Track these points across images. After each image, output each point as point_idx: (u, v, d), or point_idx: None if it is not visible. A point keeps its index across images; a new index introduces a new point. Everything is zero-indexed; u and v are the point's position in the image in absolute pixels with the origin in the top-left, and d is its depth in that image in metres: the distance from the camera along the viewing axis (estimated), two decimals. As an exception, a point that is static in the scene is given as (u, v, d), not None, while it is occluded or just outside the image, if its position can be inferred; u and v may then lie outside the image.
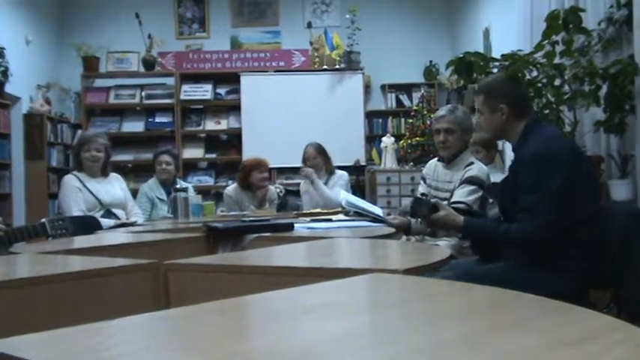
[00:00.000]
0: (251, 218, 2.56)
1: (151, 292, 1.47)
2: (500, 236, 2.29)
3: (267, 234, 2.22)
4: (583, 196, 2.28)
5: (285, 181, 6.52)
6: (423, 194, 3.28)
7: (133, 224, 3.83)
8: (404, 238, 2.92)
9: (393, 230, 2.34)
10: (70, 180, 3.98)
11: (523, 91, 2.81)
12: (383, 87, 8.05)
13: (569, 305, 0.83)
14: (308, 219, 2.98)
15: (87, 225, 3.33)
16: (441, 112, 3.34)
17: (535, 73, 4.01)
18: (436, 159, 3.45)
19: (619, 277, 2.20)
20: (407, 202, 3.36)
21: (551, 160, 2.22)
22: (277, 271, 1.31)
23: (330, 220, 2.79)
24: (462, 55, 4.13)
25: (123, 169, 6.23)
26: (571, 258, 2.22)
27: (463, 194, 3.03)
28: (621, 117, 3.83)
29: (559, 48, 3.94)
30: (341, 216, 3.14)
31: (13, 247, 1.99)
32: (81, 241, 2.29)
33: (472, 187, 3.04)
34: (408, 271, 1.15)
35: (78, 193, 3.91)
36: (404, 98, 8.08)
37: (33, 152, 7.06)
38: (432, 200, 2.44)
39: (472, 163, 3.15)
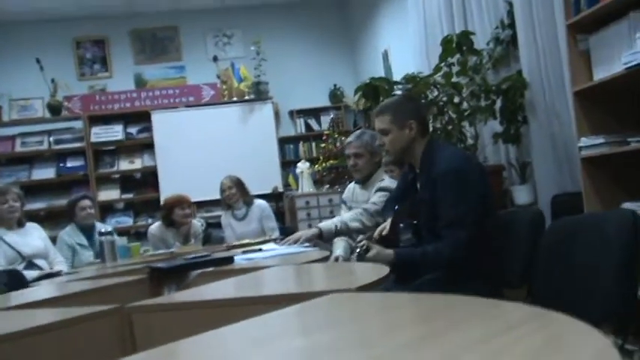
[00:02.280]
0: (192, 255, 2.64)
1: (116, 337, 1.55)
2: (430, 258, 2.36)
3: (210, 269, 2.31)
4: (491, 206, 2.53)
5: (205, 214, 6.56)
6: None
7: (58, 274, 3.80)
8: (332, 258, 3.09)
9: (325, 253, 2.48)
10: None
11: (425, 110, 3.06)
12: (291, 113, 8.25)
13: (498, 301, 1.01)
14: (239, 250, 3.09)
15: (13, 280, 3.30)
16: (350, 138, 3.56)
17: (435, 93, 4.34)
18: (353, 182, 3.67)
19: (528, 275, 2.41)
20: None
21: (465, 174, 2.37)
22: (245, 301, 1.42)
23: (261, 250, 2.91)
24: (368, 81, 4.39)
25: (36, 218, 6.05)
26: (484, 263, 2.41)
27: (374, 198, 3.30)
28: (516, 128, 4.19)
29: (455, 68, 4.29)
30: (271, 244, 3.26)
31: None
32: (19, 297, 2.29)
33: (382, 193, 3.28)
34: (360, 289, 1.30)
35: (3, 245, 3.84)
36: (312, 122, 8.31)
37: None
38: (363, 243, 2.54)
39: (383, 180, 3.40)
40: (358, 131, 3.68)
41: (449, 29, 5.01)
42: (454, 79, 4.28)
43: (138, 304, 1.58)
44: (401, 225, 2.64)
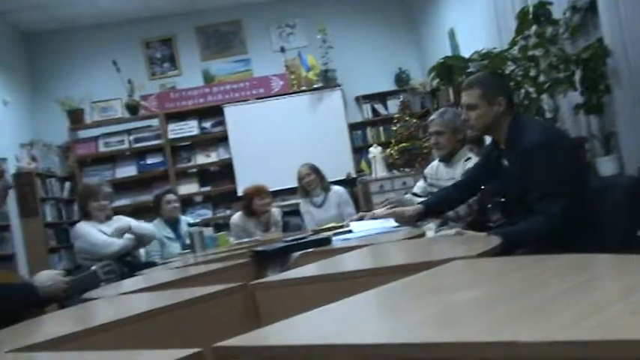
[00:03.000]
0: (291, 238, 2.73)
1: (243, 312, 1.64)
2: (525, 234, 2.32)
3: (311, 250, 2.39)
4: (584, 175, 2.50)
5: (281, 203, 6.68)
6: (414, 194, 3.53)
7: (155, 264, 4.02)
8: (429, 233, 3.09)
9: (420, 231, 2.51)
10: (85, 225, 4.14)
11: (510, 87, 3.03)
12: (357, 99, 8.27)
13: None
14: (330, 233, 3.15)
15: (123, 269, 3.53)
16: (432, 116, 3.57)
17: (511, 68, 4.28)
18: (437, 159, 3.68)
19: (629, 242, 2.37)
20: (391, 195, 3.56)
21: (555, 146, 2.36)
22: (365, 273, 1.48)
23: (351, 232, 2.97)
24: (441, 60, 4.38)
25: (122, 214, 6.32)
26: (582, 233, 2.39)
27: None
28: (598, 98, 4.09)
29: (532, 41, 4.21)
30: (361, 221, 3.29)
31: (87, 294, 2.12)
32: (139, 282, 2.43)
33: None
34: (480, 255, 1.34)
35: (97, 231, 4.07)
36: (379, 107, 8.32)
37: (27, 210, 7.10)
38: (456, 231, 2.54)
39: (470, 158, 3.38)
40: (441, 109, 3.69)
41: (522, 2, 4.91)
42: (530, 52, 4.21)
43: (260, 282, 1.66)
44: (489, 205, 2.64)
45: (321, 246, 2.40)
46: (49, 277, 2.34)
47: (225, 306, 1.65)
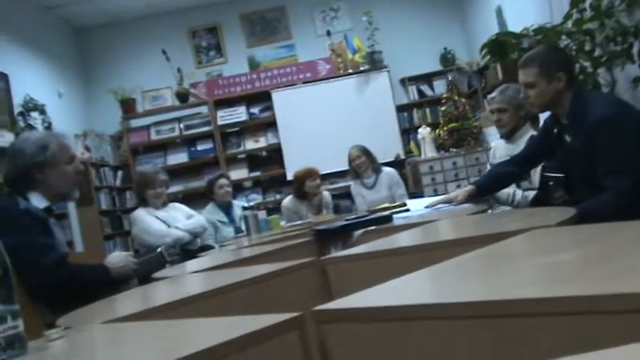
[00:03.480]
0: (352, 216, 2.76)
1: (315, 286, 1.67)
2: (593, 211, 2.24)
3: (372, 227, 2.41)
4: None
5: (330, 186, 6.72)
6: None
7: (211, 247, 4.11)
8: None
9: (482, 207, 2.50)
10: (142, 212, 4.26)
11: (571, 60, 2.96)
12: (403, 80, 8.22)
13: None
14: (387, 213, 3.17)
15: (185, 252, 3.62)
16: (493, 93, 3.52)
17: (566, 42, 4.19)
18: (498, 138, 3.63)
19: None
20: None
21: (622, 120, 2.32)
22: (436, 246, 1.49)
23: (409, 210, 2.98)
24: (493, 37, 4.32)
25: (174, 200, 6.46)
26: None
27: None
28: (658, 69, 3.98)
29: (587, 14, 4.11)
30: (416, 204, 3.31)
31: (157, 274, 2.19)
32: (204, 263, 2.49)
33: None
34: (559, 224, 1.34)
35: (155, 219, 4.18)
36: (425, 88, 8.26)
37: (83, 199, 7.32)
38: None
39: (533, 135, 3.32)
40: (502, 86, 3.65)
41: (574, -26, 4.79)
42: (585, 26, 4.11)
43: (333, 256, 1.70)
44: (550, 183, 2.60)
45: (382, 224, 2.42)
46: (119, 258, 2.43)
47: (299, 280, 1.68)
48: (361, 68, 7.47)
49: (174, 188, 7.20)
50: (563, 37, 4.14)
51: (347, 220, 2.68)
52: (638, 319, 0.58)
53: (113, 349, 1.07)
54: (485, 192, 2.84)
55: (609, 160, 2.31)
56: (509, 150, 3.41)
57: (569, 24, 4.15)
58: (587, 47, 4.15)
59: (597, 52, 4.13)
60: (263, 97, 7.47)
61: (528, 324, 0.67)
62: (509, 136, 3.43)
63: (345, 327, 0.85)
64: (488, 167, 3.67)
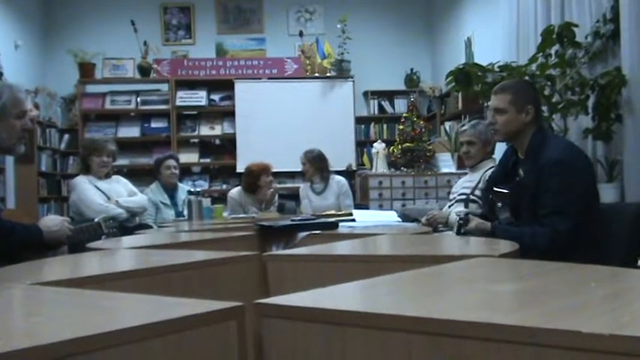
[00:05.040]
0: (299, 218, 2.76)
1: (254, 280, 1.67)
2: (526, 241, 2.31)
3: (317, 232, 2.41)
4: (595, 199, 2.55)
5: (278, 185, 6.70)
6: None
7: (149, 226, 4.03)
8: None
9: (427, 229, 2.55)
10: (84, 180, 4.15)
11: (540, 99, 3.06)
12: (366, 93, 8.30)
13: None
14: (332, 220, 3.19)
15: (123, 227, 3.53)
16: (465, 126, 3.62)
17: (528, 83, 4.31)
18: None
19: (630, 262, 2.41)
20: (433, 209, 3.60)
21: (574, 166, 2.42)
22: (378, 259, 1.51)
23: (354, 220, 3.00)
24: (460, 66, 4.41)
25: (119, 174, 6.32)
26: (585, 255, 2.43)
27: None
28: (608, 125, 4.14)
29: (552, 60, 4.25)
30: (365, 214, 3.35)
31: (92, 245, 2.13)
32: (141, 240, 2.45)
33: None
34: (501, 256, 1.37)
35: (95, 190, 4.08)
36: (386, 104, 8.36)
37: (23, 157, 7.08)
38: (464, 213, 2.59)
39: (492, 167, 3.42)
40: (474, 120, 3.76)
41: (544, 20, 4.95)
42: (548, 71, 4.25)
43: (275, 253, 1.69)
44: (499, 204, 2.68)
45: (328, 229, 2.43)
46: (55, 222, 2.36)
47: (237, 272, 1.67)
48: (328, 74, 7.50)
49: (121, 161, 7.02)
50: (526, 78, 4.27)
51: (293, 220, 2.68)
52: (572, 357, 0.60)
53: (42, 312, 1.04)
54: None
55: (554, 200, 2.39)
56: (468, 178, 3.52)
57: (534, 66, 4.28)
58: (547, 92, 4.30)
59: (555, 99, 4.28)
60: (225, 85, 7.39)
61: (463, 346, 0.69)
62: (472, 168, 3.53)
63: (284, 323, 0.85)
64: (451, 195, 3.74)
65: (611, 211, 2.68)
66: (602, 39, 4.34)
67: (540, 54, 4.24)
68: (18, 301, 1.16)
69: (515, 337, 0.62)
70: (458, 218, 2.56)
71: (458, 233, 2.54)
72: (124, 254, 1.85)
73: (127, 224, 4.01)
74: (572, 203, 2.36)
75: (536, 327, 0.60)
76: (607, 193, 4.13)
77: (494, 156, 3.62)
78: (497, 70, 4.37)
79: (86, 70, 7.20)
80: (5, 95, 2.27)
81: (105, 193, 4.15)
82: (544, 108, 4.30)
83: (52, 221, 2.37)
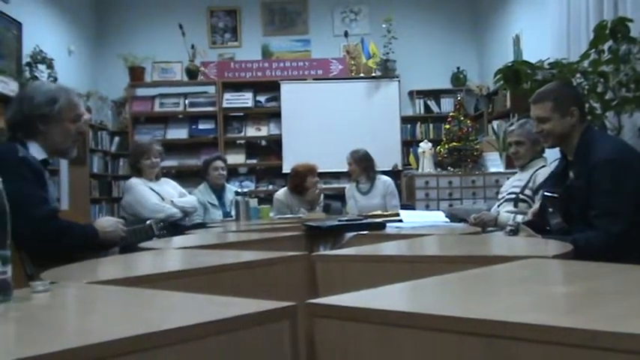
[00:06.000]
0: (346, 218, 2.76)
1: (303, 280, 1.67)
2: (580, 247, 2.15)
3: (365, 232, 2.41)
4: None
5: (323, 186, 6.72)
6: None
7: (204, 225, 4.09)
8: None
9: (475, 229, 2.51)
10: (138, 181, 4.23)
11: (582, 97, 2.99)
12: (411, 93, 8.25)
13: None
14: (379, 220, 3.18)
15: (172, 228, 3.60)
16: (512, 126, 3.57)
17: (579, 80, 4.21)
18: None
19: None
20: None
21: (625, 165, 2.34)
22: (427, 259, 1.50)
23: (400, 221, 2.99)
24: (509, 64, 4.33)
25: (167, 175, 6.44)
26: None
27: None
28: (664, 122, 4.01)
29: (605, 56, 4.13)
30: (413, 214, 3.32)
31: (143, 245, 2.18)
32: (192, 241, 2.49)
33: None
34: (555, 257, 1.34)
35: (150, 191, 4.16)
36: (432, 104, 8.28)
37: (76, 159, 7.25)
38: (514, 223, 2.54)
39: (543, 166, 3.37)
40: (522, 120, 3.70)
41: (596, 15, 4.82)
42: (600, 68, 4.13)
43: (324, 254, 1.70)
44: (550, 209, 2.62)
45: (375, 230, 2.42)
46: (110, 223, 2.42)
47: (287, 272, 1.68)
48: (373, 74, 7.47)
49: (169, 163, 7.17)
50: (578, 75, 4.16)
51: (340, 220, 2.68)
52: (633, 360, 0.58)
53: (98, 310, 1.07)
54: None
55: (605, 201, 2.33)
56: (517, 177, 3.47)
57: (586, 63, 4.17)
58: (600, 89, 4.18)
59: (608, 96, 4.16)
60: (271, 87, 7.45)
61: (517, 348, 0.68)
62: (522, 168, 3.48)
63: (336, 323, 0.85)
64: (500, 195, 3.68)
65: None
66: (658, 33, 4.20)
67: (593, 50, 4.12)
68: (75, 300, 1.19)
69: (575, 341, 0.61)
70: (508, 229, 2.51)
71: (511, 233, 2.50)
72: (174, 254, 1.89)
73: (180, 223, 4.08)
74: (624, 203, 2.29)
75: (598, 330, 0.59)
76: (663, 193, 4.01)
77: (544, 155, 3.54)
78: (548, 67, 4.28)
79: (136, 74, 7.37)
80: (61, 99, 2.34)
81: (159, 194, 4.24)
82: (597, 105, 4.20)
83: (107, 222, 2.44)
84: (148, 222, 2.75)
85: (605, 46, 4.13)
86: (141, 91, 7.63)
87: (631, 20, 4.03)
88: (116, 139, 8.25)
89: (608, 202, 2.32)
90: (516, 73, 4.30)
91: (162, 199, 4.20)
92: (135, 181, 4.25)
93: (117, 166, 8.31)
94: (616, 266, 1.13)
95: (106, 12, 8.41)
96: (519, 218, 2.91)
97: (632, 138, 4.36)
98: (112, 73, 7.84)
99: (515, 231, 2.48)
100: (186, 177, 6.64)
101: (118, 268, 1.67)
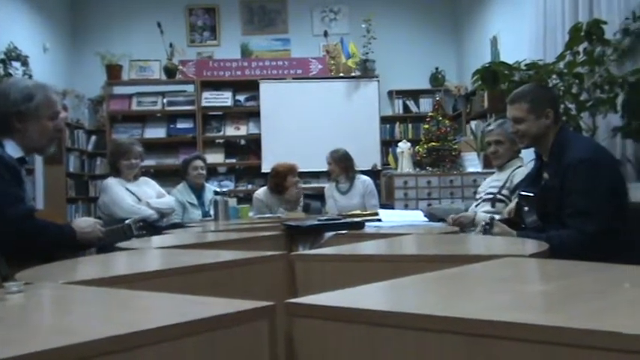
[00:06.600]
0: (325, 218, 2.76)
1: (282, 279, 1.67)
2: (554, 245, 2.31)
3: (344, 231, 2.41)
4: (624, 200, 2.50)
5: (303, 185, 6.71)
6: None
7: (182, 225, 4.07)
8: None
9: (454, 228, 2.53)
10: (115, 182, 4.20)
11: (558, 98, 3.03)
12: (390, 93, 8.28)
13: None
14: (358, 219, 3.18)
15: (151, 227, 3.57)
16: (491, 126, 3.60)
17: (555, 82, 4.26)
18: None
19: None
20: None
21: (598, 165, 2.37)
22: (406, 258, 1.51)
23: (379, 220, 3.00)
24: (487, 65, 4.37)
25: (145, 174, 6.38)
26: (619, 253, 2.38)
27: None
28: (638, 123, 4.07)
29: (580, 57, 4.19)
30: (391, 214, 3.33)
31: (121, 245, 2.16)
32: (171, 240, 2.47)
33: None
34: (532, 256, 1.36)
35: (126, 192, 4.13)
36: (411, 104, 8.32)
37: (52, 158, 7.19)
38: (489, 217, 2.57)
39: (520, 166, 3.40)
40: (500, 120, 3.71)
41: (572, 17, 4.88)
42: (576, 69, 4.19)
43: (303, 253, 1.70)
44: (525, 208, 2.65)
45: (354, 229, 2.43)
46: (88, 223, 2.39)
47: (265, 272, 1.68)
48: (352, 74, 7.49)
49: (148, 162, 7.07)
50: (554, 76, 4.22)
51: (319, 220, 2.68)
52: (608, 358, 0.59)
53: (74, 311, 1.06)
54: None
55: (578, 201, 2.36)
56: (495, 177, 3.49)
57: (562, 65, 4.22)
58: (575, 90, 4.23)
59: (583, 97, 4.22)
60: (251, 86, 7.42)
61: (497, 347, 0.68)
62: (500, 168, 3.51)
63: (315, 323, 0.85)
64: (477, 195, 3.70)
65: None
66: (631, 36, 4.27)
67: (568, 52, 4.18)
68: (50, 301, 1.18)
69: (550, 338, 0.62)
70: (483, 222, 2.54)
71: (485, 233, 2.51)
72: (153, 254, 1.88)
73: (156, 224, 4.05)
74: (598, 203, 2.32)
75: (572, 327, 0.59)
76: (637, 192, 4.06)
77: (521, 155, 3.58)
78: (524, 68, 4.33)
79: (113, 72, 7.29)
80: (39, 96, 2.30)
81: (135, 195, 4.20)
82: (572, 106, 4.26)
83: (84, 222, 2.41)
84: (126, 222, 2.72)
85: (580, 48, 4.19)
86: (118, 90, 7.55)
87: (605, 22, 4.09)
88: (93, 137, 8.17)
89: (581, 202, 2.35)
90: (494, 74, 4.34)
91: (139, 200, 4.17)
92: (111, 182, 4.21)
93: (94, 165, 8.22)
94: (591, 265, 1.15)
95: (82, 9, 8.31)
96: (497, 217, 2.95)
97: (606, 139, 4.42)
98: (89, 71, 7.75)
99: (489, 226, 2.51)
100: (164, 176, 6.59)
101: (94, 269, 1.66)
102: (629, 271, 1.01)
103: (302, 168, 6.48)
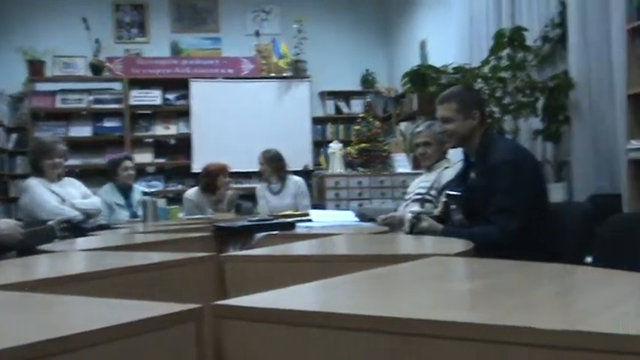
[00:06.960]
0: (256, 218, 2.74)
1: (211, 281, 1.65)
2: (477, 239, 2.41)
3: (275, 232, 2.41)
4: (544, 199, 2.62)
5: (234, 186, 6.67)
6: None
7: (108, 226, 3.96)
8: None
9: (383, 228, 2.57)
10: (36, 182, 4.04)
11: (484, 101, 3.15)
12: (322, 93, 8.32)
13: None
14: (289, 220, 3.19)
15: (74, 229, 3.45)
16: (420, 127, 3.68)
17: (480, 85, 4.41)
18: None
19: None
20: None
21: (521, 166, 2.48)
22: (336, 259, 1.52)
23: (310, 220, 3.01)
24: (416, 68, 4.48)
25: (70, 174, 6.16)
26: (536, 255, 2.49)
27: None
28: (557, 126, 4.27)
29: (503, 62, 4.35)
30: (321, 213, 3.35)
31: (43, 247, 2.08)
32: (96, 242, 2.40)
33: None
34: (457, 255, 1.40)
35: (49, 192, 3.98)
36: (342, 105, 8.40)
37: (-32, 155, 6.87)
38: (417, 212, 2.64)
39: (447, 167, 3.49)
40: (428, 121, 3.79)
41: (496, 23, 5.06)
42: (500, 74, 4.35)
43: (233, 254, 1.68)
44: (452, 206, 2.73)
45: (285, 230, 2.43)
46: (7, 225, 2.30)
47: (194, 274, 1.66)
48: (284, 74, 7.50)
49: (73, 162, 6.85)
50: (479, 80, 4.37)
51: (250, 221, 2.67)
52: (529, 352, 0.62)
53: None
54: None
55: (502, 200, 2.45)
56: (423, 178, 3.57)
57: (486, 69, 4.38)
58: (499, 94, 4.40)
59: (507, 100, 4.39)
60: (181, 85, 7.30)
61: (425, 345, 0.70)
62: (429, 168, 3.59)
63: (243, 325, 0.85)
64: (406, 195, 3.77)
65: (560, 210, 2.76)
66: (550, 43, 4.47)
67: (492, 57, 4.34)
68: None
69: (475, 335, 0.64)
70: (411, 216, 2.60)
71: (410, 232, 2.57)
72: (77, 256, 1.82)
73: (82, 226, 3.92)
74: (520, 202, 2.42)
75: (495, 324, 0.62)
76: (555, 193, 4.24)
77: (448, 156, 3.67)
78: (452, 71, 4.47)
79: (35, 68, 7.01)
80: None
81: (59, 196, 4.05)
82: (496, 109, 4.42)
83: (5, 224, 2.32)
84: (49, 223, 2.62)
85: (504, 53, 4.35)
86: (41, 86, 7.25)
87: (526, 29, 4.27)
88: (13, 135, 7.79)
89: (504, 200, 2.44)
90: (422, 77, 4.47)
91: (63, 200, 4.03)
92: (33, 182, 4.05)
93: (14, 164, 7.86)
94: (514, 263, 1.20)
95: (3, 2, 7.94)
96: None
97: (527, 140, 4.61)
98: (9, 66, 7.39)
99: (417, 220, 2.57)
100: (90, 176, 6.38)
101: (14, 272, 1.59)
102: (546, 268, 1.06)
103: (233, 168, 6.44)
